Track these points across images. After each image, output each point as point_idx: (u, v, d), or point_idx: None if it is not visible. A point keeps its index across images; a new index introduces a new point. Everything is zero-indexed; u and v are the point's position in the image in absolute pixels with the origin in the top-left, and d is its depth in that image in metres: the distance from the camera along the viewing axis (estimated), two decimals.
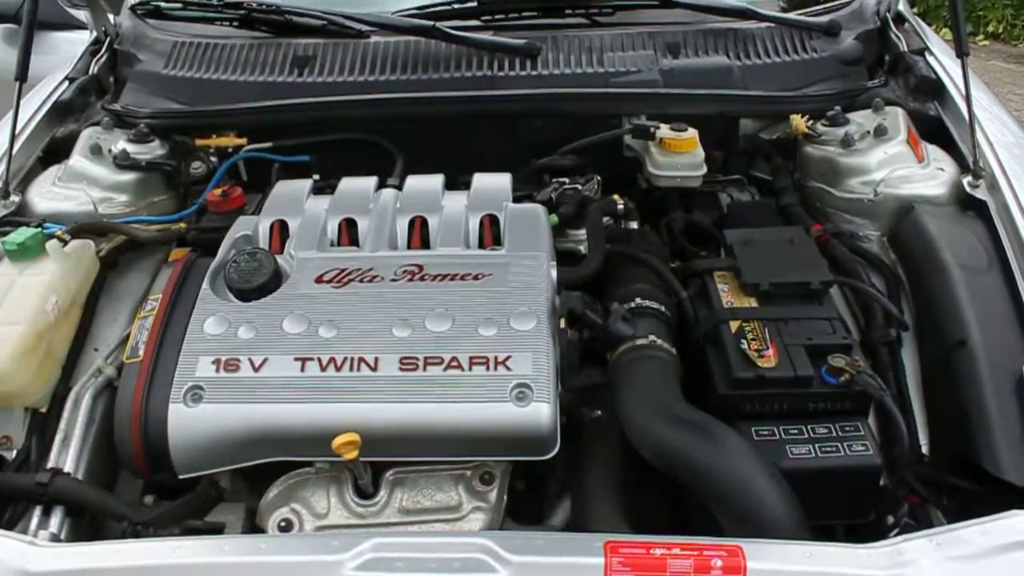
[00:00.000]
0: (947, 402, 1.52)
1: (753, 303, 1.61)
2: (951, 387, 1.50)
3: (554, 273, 1.57)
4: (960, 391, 1.48)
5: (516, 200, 1.76)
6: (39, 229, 1.71)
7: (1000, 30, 7.53)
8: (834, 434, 1.44)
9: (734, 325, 1.55)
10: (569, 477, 1.54)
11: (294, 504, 1.44)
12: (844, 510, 1.45)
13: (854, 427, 1.45)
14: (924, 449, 1.53)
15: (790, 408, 1.47)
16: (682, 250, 1.91)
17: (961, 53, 1.90)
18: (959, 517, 1.29)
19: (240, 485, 1.51)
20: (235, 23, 2.33)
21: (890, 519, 1.48)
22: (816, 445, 1.42)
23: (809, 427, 1.45)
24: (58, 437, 1.54)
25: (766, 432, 1.44)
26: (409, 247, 1.67)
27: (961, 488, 1.45)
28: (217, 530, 1.46)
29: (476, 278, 1.54)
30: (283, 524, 1.42)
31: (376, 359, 1.42)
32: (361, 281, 1.55)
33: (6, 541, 1.25)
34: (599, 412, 1.59)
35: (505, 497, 1.45)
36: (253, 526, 1.47)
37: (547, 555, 1.18)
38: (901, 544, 1.20)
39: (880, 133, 1.94)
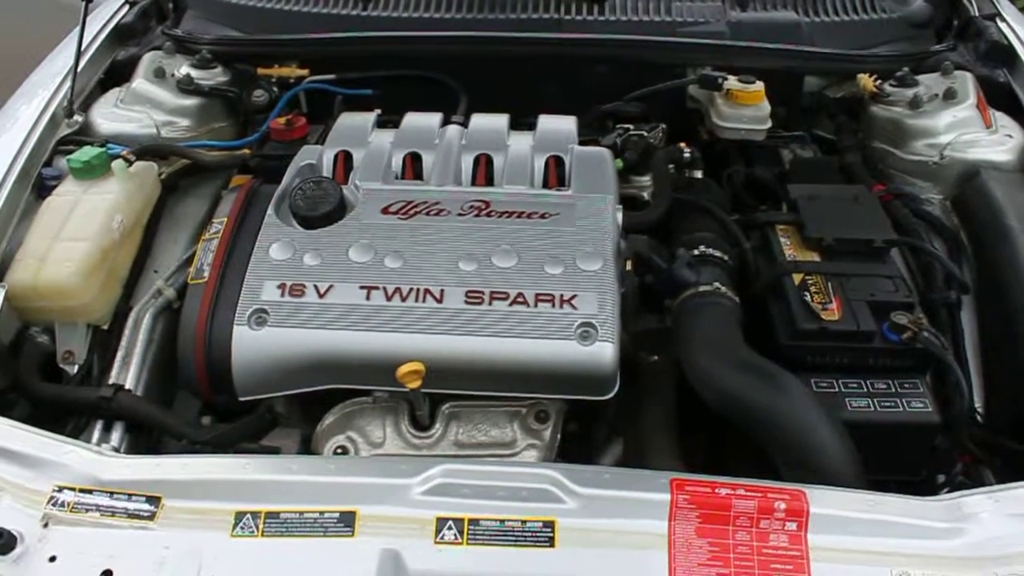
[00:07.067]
0: (1007, 365, 1.52)
1: (816, 257, 1.61)
2: (1012, 351, 1.50)
3: (620, 216, 1.57)
4: (1021, 355, 1.48)
5: (580, 144, 1.75)
6: (104, 149, 1.73)
7: None
8: (893, 390, 1.44)
9: (797, 278, 1.55)
10: (619, 421, 1.55)
11: (350, 432, 1.45)
12: (897, 466, 1.45)
13: (913, 384, 1.45)
14: (979, 410, 1.53)
15: (850, 362, 1.47)
16: (742, 203, 1.90)
17: None
18: (1010, 479, 1.29)
19: (295, 411, 1.52)
20: None
21: (941, 478, 1.49)
22: (875, 400, 1.42)
23: (868, 382, 1.45)
24: (119, 355, 1.56)
25: (825, 384, 1.44)
26: (474, 184, 1.66)
27: (1015, 450, 1.45)
28: (273, 453, 1.47)
29: (543, 217, 1.54)
30: (339, 451, 1.44)
31: (442, 291, 1.42)
32: (428, 214, 1.55)
33: (77, 450, 1.27)
34: (656, 357, 1.59)
35: (559, 436, 1.46)
36: (307, 452, 1.48)
37: (614, 489, 1.19)
38: (961, 499, 1.21)
39: (949, 96, 1.92)
